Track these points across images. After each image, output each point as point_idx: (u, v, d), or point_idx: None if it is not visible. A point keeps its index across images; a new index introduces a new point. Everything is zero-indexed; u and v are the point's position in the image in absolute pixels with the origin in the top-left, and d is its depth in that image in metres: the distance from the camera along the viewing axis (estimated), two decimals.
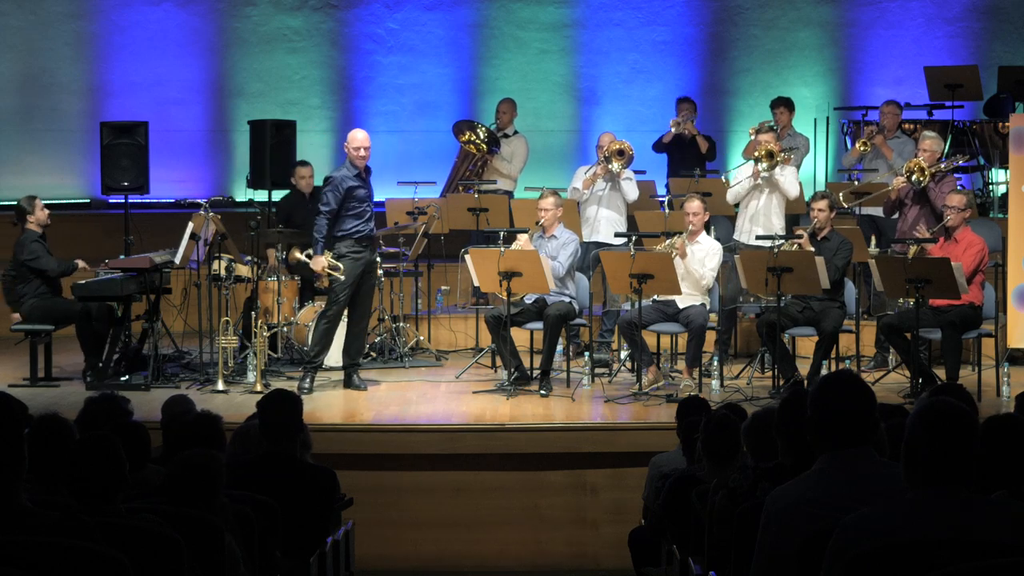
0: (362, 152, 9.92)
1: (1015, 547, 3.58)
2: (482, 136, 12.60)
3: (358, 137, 9.99)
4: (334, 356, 10.54)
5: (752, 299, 10.62)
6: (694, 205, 10.10)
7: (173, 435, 5.90)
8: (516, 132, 12.95)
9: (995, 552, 3.55)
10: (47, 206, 10.63)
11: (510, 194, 12.72)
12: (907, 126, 13.51)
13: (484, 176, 12.75)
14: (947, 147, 13.49)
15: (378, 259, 10.58)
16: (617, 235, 10.95)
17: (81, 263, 10.39)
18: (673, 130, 12.72)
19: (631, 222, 11.29)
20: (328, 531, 6.10)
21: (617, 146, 10.96)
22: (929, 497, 3.69)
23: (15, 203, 10.65)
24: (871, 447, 4.06)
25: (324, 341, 10.06)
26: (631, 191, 11.15)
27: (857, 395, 4.07)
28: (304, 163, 11.82)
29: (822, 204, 9.93)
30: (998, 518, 3.68)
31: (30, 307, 10.30)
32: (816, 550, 3.88)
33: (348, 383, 10.13)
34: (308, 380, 9.95)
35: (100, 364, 10.17)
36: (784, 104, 12.46)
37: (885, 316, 10.07)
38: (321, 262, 9.81)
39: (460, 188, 12.69)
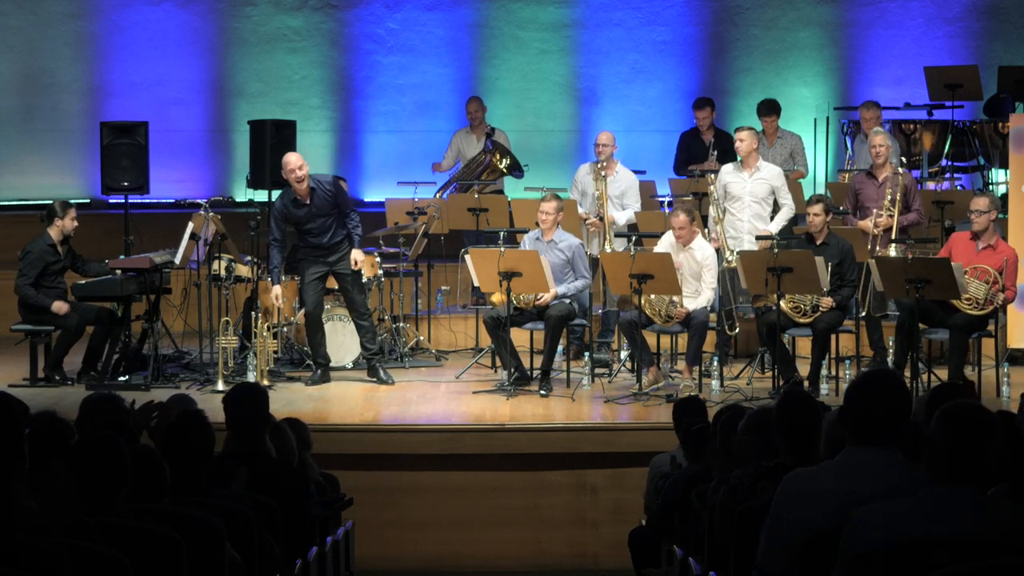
0: (296, 174, 10.08)
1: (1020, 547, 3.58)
2: (508, 164, 12.59)
3: (286, 159, 10.17)
4: (336, 356, 10.63)
5: (749, 299, 10.62)
6: (680, 219, 10.06)
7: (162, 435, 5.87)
8: (494, 129, 12.93)
9: (1001, 552, 3.55)
10: (47, 206, 10.63)
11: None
12: (907, 126, 13.52)
13: (490, 179, 12.75)
14: (948, 147, 13.53)
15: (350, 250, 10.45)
16: (617, 235, 10.96)
17: (57, 306, 10.27)
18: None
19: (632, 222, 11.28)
20: (307, 536, 5.95)
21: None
22: (939, 495, 3.70)
23: (49, 202, 10.64)
24: (898, 449, 4.06)
25: (311, 343, 10.44)
26: (621, 220, 11.18)
27: (890, 396, 4.06)
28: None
29: (817, 208, 9.91)
30: (1006, 518, 3.68)
31: (24, 312, 10.32)
32: (824, 546, 3.90)
33: (372, 374, 10.43)
34: (316, 374, 10.35)
35: (94, 371, 10.23)
36: (774, 112, 12.40)
37: (899, 317, 10.02)
38: (274, 291, 10.22)
39: (459, 187, 12.68)
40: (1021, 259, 10.21)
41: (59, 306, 10.22)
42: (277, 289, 10.21)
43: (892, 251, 10.17)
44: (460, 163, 13.01)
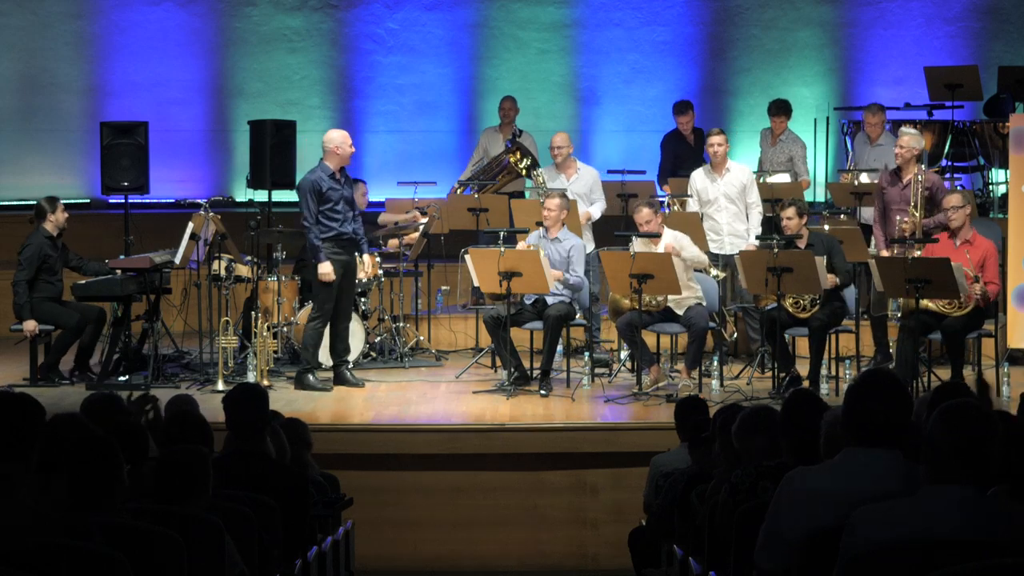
0: (348, 149, 10.04)
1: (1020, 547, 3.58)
2: (527, 165, 12.60)
3: (344, 135, 10.11)
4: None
5: (749, 299, 10.62)
6: (643, 214, 10.08)
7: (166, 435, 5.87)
8: (522, 131, 12.93)
9: (1001, 552, 3.54)
10: (34, 207, 10.61)
11: (510, 193, 12.72)
12: (907, 126, 13.51)
13: (506, 181, 12.75)
14: (948, 147, 13.53)
15: (361, 257, 10.39)
16: (617, 235, 10.96)
17: (28, 327, 10.18)
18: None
19: (631, 222, 11.26)
20: (307, 536, 5.92)
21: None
22: (939, 495, 3.69)
23: (35, 202, 10.63)
24: (899, 451, 4.06)
25: (317, 344, 10.17)
26: (596, 213, 11.21)
27: (889, 398, 4.06)
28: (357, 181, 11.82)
29: (790, 212, 9.90)
30: (1006, 518, 3.68)
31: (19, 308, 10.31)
32: (823, 545, 3.90)
33: (341, 380, 10.18)
34: (314, 377, 10.11)
35: (90, 372, 10.22)
36: (783, 112, 12.40)
37: (906, 319, 9.98)
38: (324, 268, 9.91)
39: (474, 188, 12.67)
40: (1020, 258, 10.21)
41: (29, 327, 10.18)
42: (327, 266, 9.87)
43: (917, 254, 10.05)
44: (486, 161, 13.01)
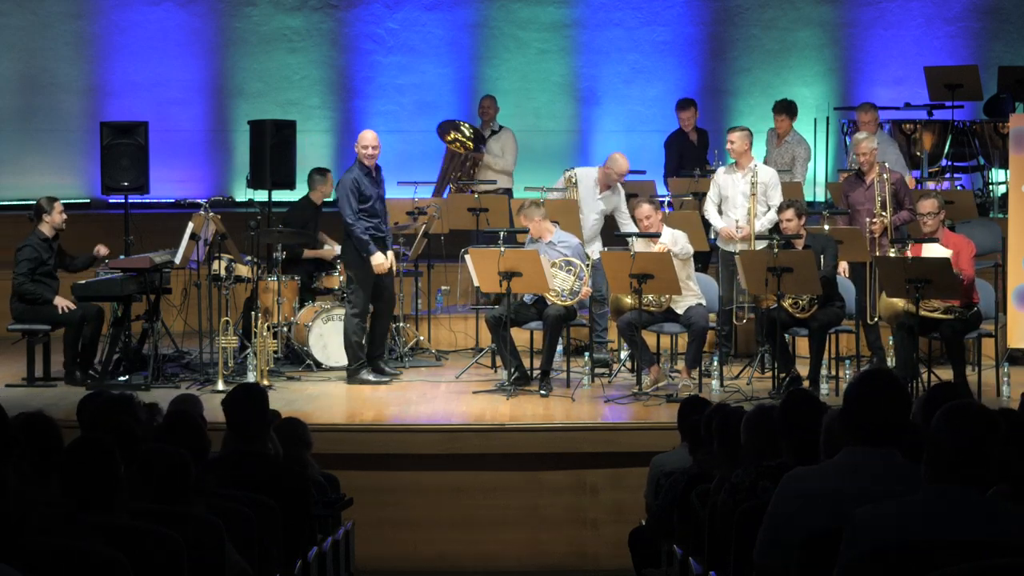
0: (370, 151, 10.30)
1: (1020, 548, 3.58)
2: (467, 134, 12.58)
3: (368, 137, 10.39)
4: (336, 356, 10.62)
5: (751, 300, 10.61)
6: (644, 209, 10.05)
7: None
8: (502, 127, 12.93)
9: (1001, 552, 3.54)
10: (33, 206, 10.60)
11: (509, 192, 12.72)
12: (907, 126, 13.52)
13: (477, 176, 12.76)
14: (948, 147, 13.53)
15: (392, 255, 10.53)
16: (617, 235, 10.95)
17: (60, 301, 10.18)
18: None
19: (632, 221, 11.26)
20: (307, 536, 5.92)
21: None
22: (940, 495, 3.69)
23: (35, 201, 10.62)
24: (897, 450, 4.06)
25: (361, 337, 10.31)
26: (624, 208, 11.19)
27: (889, 396, 4.06)
28: (323, 171, 11.81)
29: (789, 214, 9.88)
30: (1007, 518, 3.68)
31: (20, 310, 10.27)
32: (823, 545, 3.90)
33: (377, 371, 10.39)
34: (370, 372, 10.33)
35: (80, 371, 10.21)
36: (785, 111, 12.33)
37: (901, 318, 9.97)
38: (377, 259, 10.15)
39: (453, 188, 12.67)
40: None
41: (61, 301, 10.19)
42: (381, 257, 10.15)
43: (892, 253, 10.13)
44: None
